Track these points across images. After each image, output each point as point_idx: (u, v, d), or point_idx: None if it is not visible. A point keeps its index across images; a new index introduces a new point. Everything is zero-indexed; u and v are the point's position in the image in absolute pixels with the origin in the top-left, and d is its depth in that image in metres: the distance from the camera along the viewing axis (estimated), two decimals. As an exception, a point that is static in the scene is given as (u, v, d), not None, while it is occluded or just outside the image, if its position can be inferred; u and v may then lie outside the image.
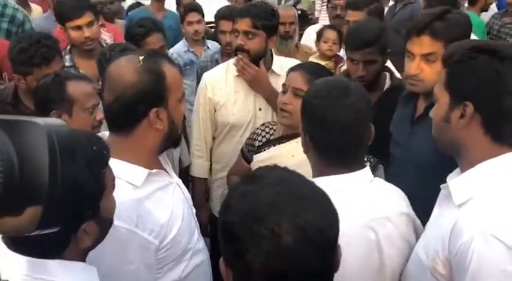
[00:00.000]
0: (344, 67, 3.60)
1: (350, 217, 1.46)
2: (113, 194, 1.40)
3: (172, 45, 4.39)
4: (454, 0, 3.56)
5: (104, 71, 2.62)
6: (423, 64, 2.06)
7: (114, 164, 1.45)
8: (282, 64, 2.86)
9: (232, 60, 2.88)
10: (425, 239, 1.53)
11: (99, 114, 2.21)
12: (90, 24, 3.13)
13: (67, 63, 3.06)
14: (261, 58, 2.78)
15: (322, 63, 4.02)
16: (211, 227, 2.99)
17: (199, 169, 3.02)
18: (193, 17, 4.35)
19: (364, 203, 1.56)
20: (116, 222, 1.40)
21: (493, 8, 6.34)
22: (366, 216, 1.54)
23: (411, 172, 2.10)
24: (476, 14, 5.32)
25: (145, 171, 1.58)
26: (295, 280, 1.00)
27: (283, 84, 2.32)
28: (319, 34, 4.22)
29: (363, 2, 3.52)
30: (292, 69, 2.34)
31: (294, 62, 2.82)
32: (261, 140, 2.49)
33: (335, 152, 1.57)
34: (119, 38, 3.65)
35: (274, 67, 2.86)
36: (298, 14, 4.84)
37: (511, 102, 1.38)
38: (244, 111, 2.83)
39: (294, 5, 5.73)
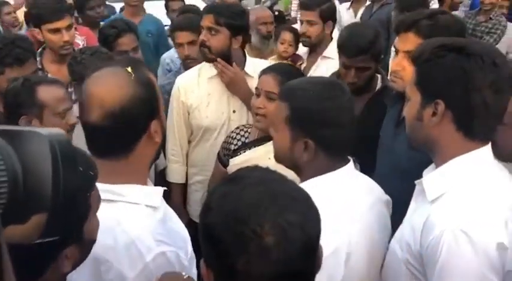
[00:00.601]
0: (304, 65, 3.63)
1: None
2: (139, 222, 1.37)
3: (153, 51, 4.23)
4: (425, 1, 3.58)
5: (75, 74, 2.60)
6: (405, 62, 2.04)
7: (131, 190, 1.42)
8: (255, 65, 2.84)
9: (204, 63, 2.85)
10: (400, 233, 1.56)
11: (71, 119, 2.17)
12: (69, 27, 3.08)
13: None
14: (226, 57, 2.73)
15: (280, 64, 4.06)
16: (189, 232, 2.94)
17: (176, 174, 2.98)
18: (181, 37, 3.82)
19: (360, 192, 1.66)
20: (162, 248, 1.36)
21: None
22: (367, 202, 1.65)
23: (394, 175, 2.09)
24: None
25: (161, 189, 1.50)
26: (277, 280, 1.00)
27: (256, 88, 2.31)
28: (277, 35, 4.23)
29: (315, 2, 3.53)
30: (264, 72, 2.33)
31: (268, 63, 2.81)
32: (236, 144, 2.48)
33: (340, 149, 1.64)
34: (91, 40, 3.59)
35: (247, 68, 2.83)
36: (275, 15, 4.88)
37: (480, 99, 1.40)
38: (217, 114, 2.80)
39: (271, 6, 5.73)
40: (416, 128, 1.51)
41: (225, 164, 2.49)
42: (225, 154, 2.51)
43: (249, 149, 2.39)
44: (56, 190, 0.78)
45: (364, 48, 2.49)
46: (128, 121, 1.39)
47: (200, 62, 2.97)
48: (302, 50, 3.99)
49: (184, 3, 5.07)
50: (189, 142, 2.94)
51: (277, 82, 2.21)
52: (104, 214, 1.32)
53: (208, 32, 2.69)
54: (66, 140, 0.82)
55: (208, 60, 2.77)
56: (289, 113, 1.62)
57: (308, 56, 3.73)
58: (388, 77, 2.52)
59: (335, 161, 1.63)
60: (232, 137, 2.52)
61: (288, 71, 2.31)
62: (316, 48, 3.60)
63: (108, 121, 1.38)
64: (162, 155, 2.98)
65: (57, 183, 0.78)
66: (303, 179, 1.62)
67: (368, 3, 5.52)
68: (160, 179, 2.95)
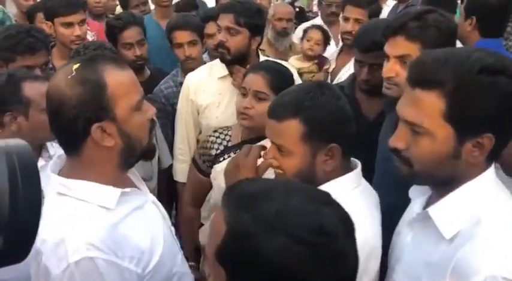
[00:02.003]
0: (332, 68, 3.52)
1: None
2: (77, 221, 1.33)
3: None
4: (452, 1, 3.42)
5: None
6: (398, 67, 1.95)
7: (81, 186, 1.38)
8: None
9: (216, 61, 2.79)
10: (404, 267, 1.42)
11: None
12: (82, 22, 3.11)
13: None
14: (243, 57, 2.65)
15: (305, 65, 3.89)
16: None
17: (183, 174, 2.88)
18: (181, 36, 3.19)
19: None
20: (91, 253, 1.29)
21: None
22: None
23: (392, 184, 1.98)
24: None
25: (118, 191, 1.40)
26: None
27: (243, 87, 2.23)
28: (304, 33, 4.12)
29: (367, 0, 3.43)
30: (251, 71, 2.24)
31: (284, 64, 2.72)
32: (217, 148, 2.36)
33: (352, 146, 1.60)
34: (102, 36, 3.53)
35: None
36: (297, 12, 4.78)
37: None
38: (227, 115, 2.71)
39: (292, 3, 5.64)
40: (446, 166, 1.28)
41: (205, 172, 2.38)
42: (205, 160, 2.39)
43: (234, 153, 2.24)
44: (14, 210, 0.70)
45: (377, 43, 2.29)
46: (62, 122, 1.37)
47: (199, 63, 2.92)
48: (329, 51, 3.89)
49: None
50: (198, 141, 2.87)
51: (267, 81, 2.14)
52: (50, 206, 1.34)
53: (227, 33, 2.60)
54: (27, 152, 0.75)
55: (226, 62, 2.69)
56: (306, 127, 1.52)
57: (338, 56, 3.61)
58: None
59: (348, 162, 1.61)
60: (212, 141, 2.39)
61: (276, 69, 2.23)
62: (350, 48, 3.45)
63: (50, 120, 1.41)
64: (168, 152, 2.94)
65: (16, 202, 0.70)
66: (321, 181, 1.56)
67: (394, 2, 5.41)
68: (164, 177, 2.90)
